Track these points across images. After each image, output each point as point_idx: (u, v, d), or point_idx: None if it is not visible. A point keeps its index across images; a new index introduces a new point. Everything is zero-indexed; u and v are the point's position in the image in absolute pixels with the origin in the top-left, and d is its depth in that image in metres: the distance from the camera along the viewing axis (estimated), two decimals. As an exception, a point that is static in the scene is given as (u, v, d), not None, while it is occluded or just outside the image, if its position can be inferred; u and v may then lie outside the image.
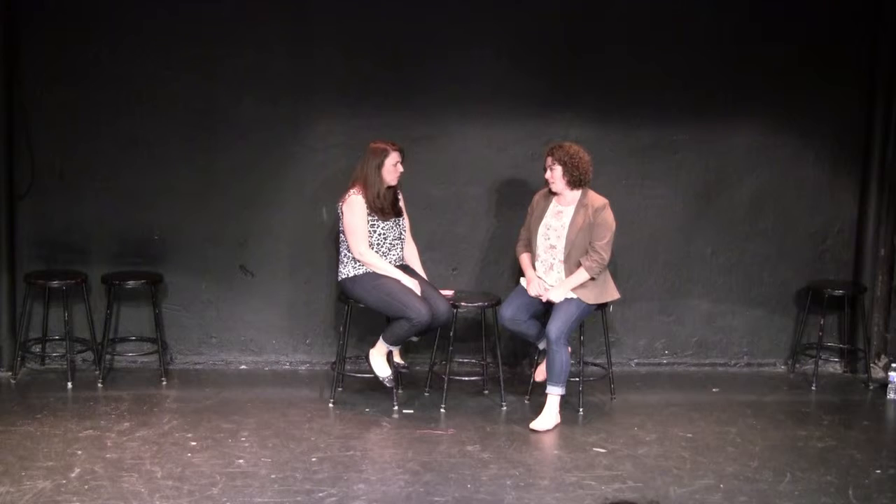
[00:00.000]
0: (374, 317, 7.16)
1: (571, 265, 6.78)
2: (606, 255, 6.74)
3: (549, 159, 6.77)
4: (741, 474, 6.04)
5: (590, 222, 6.74)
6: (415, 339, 7.05)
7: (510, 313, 6.90)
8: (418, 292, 6.73)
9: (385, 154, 6.81)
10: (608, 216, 6.76)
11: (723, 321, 7.98)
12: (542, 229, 6.88)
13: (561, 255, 6.80)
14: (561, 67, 7.61)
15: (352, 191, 6.83)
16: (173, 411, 6.80)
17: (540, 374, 7.05)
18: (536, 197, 7.02)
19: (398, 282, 6.75)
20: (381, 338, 6.88)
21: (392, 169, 6.82)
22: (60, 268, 7.49)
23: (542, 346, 7.06)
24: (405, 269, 6.96)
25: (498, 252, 7.74)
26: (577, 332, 7.03)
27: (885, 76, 7.67)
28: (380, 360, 6.91)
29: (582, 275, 6.73)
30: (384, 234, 6.86)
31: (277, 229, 7.69)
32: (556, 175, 6.75)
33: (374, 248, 6.83)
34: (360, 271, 6.83)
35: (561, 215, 6.83)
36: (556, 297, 6.75)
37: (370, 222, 6.81)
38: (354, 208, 6.78)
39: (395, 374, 6.95)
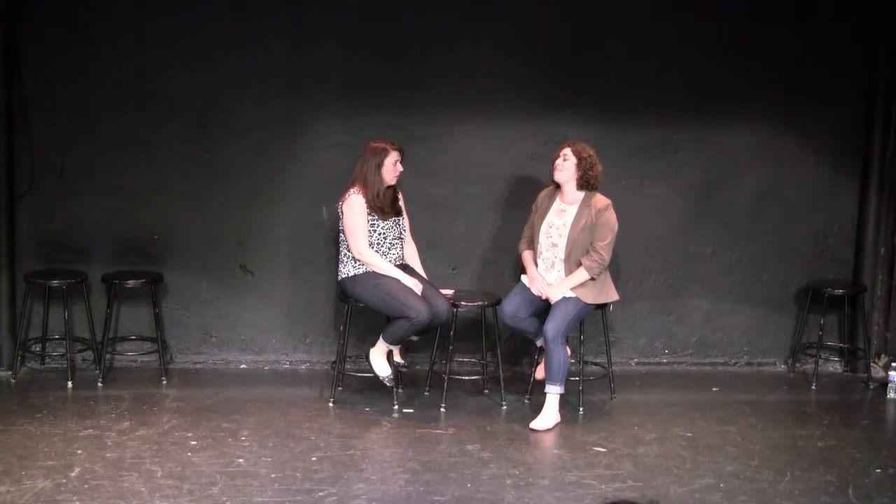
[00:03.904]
0: (374, 316, 7.16)
1: (572, 264, 6.78)
2: (607, 256, 6.75)
3: (568, 150, 6.78)
4: (741, 473, 6.04)
5: (592, 222, 6.74)
6: (415, 338, 7.05)
7: (511, 310, 6.91)
8: (419, 292, 6.73)
9: (385, 153, 6.81)
10: (611, 217, 6.76)
11: (723, 320, 7.98)
12: (544, 227, 6.88)
13: (562, 254, 6.81)
14: (561, 66, 7.62)
15: (351, 190, 6.83)
16: (173, 410, 6.81)
17: (540, 372, 7.05)
18: (541, 195, 7.02)
19: (398, 281, 6.75)
20: (380, 337, 6.88)
21: (392, 168, 6.82)
22: (60, 267, 7.49)
23: (540, 343, 7.06)
24: (405, 268, 6.96)
25: (498, 251, 7.74)
26: (577, 331, 7.03)
27: (885, 76, 7.67)
28: (380, 360, 6.92)
29: (582, 274, 6.73)
30: (384, 233, 6.86)
31: (277, 228, 7.69)
32: (567, 165, 6.76)
33: (373, 247, 6.83)
34: (360, 271, 6.83)
35: (564, 214, 6.84)
36: (554, 295, 6.76)
37: (370, 222, 6.81)
38: (354, 208, 6.78)
39: (395, 373, 6.95)
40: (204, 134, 7.54)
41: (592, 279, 6.77)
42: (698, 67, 7.68)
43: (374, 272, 6.80)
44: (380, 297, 6.75)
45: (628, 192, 7.71)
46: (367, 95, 7.54)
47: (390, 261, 6.88)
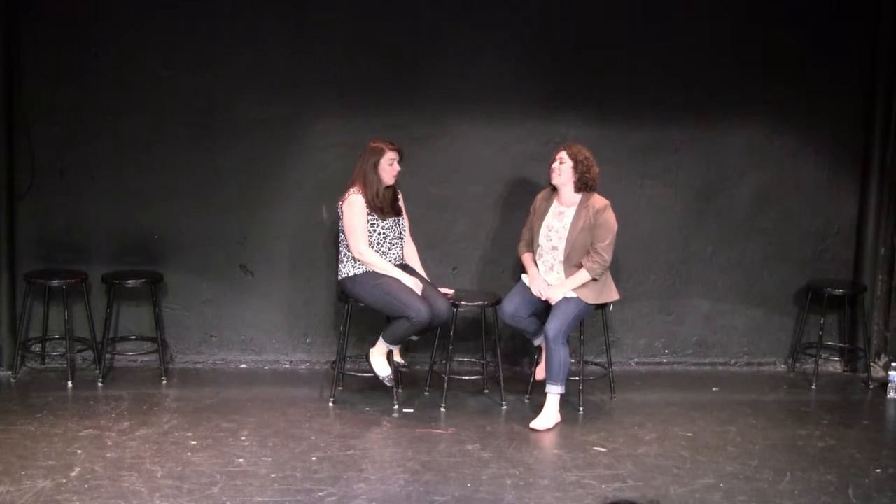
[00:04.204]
0: (374, 316, 7.16)
1: (571, 266, 6.78)
2: (608, 257, 6.74)
3: (564, 153, 6.78)
4: (741, 473, 6.04)
5: (591, 223, 6.74)
6: (415, 338, 7.05)
7: (511, 310, 6.90)
8: (419, 291, 6.73)
9: (381, 153, 6.81)
10: (610, 217, 6.76)
11: (723, 320, 7.98)
12: (543, 230, 6.88)
13: (562, 256, 6.80)
14: (561, 67, 7.62)
15: (351, 190, 6.83)
16: (173, 410, 6.81)
17: (540, 372, 7.05)
18: (538, 197, 7.02)
19: (398, 281, 6.75)
20: (381, 337, 6.88)
21: (388, 168, 6.82)
22: (60, 267, 7.49)
23: (538, 342, 7.06)
24: (405, 268, 6.96)
25: (498, 251, 7.74)
26: (577, 331, 7.03)
27: (885, 76, 7.67)
28: (380, 360, 6.92)
29: (583, 275, 6.73)
30: (383, 233, 6.86)
31: (277, 228, 7.69)
32: (564, 169, 6.76)
33: (373, 247, 6.83)
34: (360, 270, 6.83)
35: (562, 216, 6.84)
36: (555, 296, 6.76)
37: (369, 221, 6.81)
38: (354, 207, 6.78)
39: (396, 373, 6.95)
40: (204, 134, 7.55)
41: (594, 280, 6.77)
42: (698, 67, 7.68)
43: (373, 272, 6.81)
44: (380, 296, 6.75)
45: (628, 192, 7.71)
46: (368, 96, 7.54)
47: (390, 261, 6.88)
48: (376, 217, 6.83)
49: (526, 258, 7.02)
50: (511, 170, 7.69)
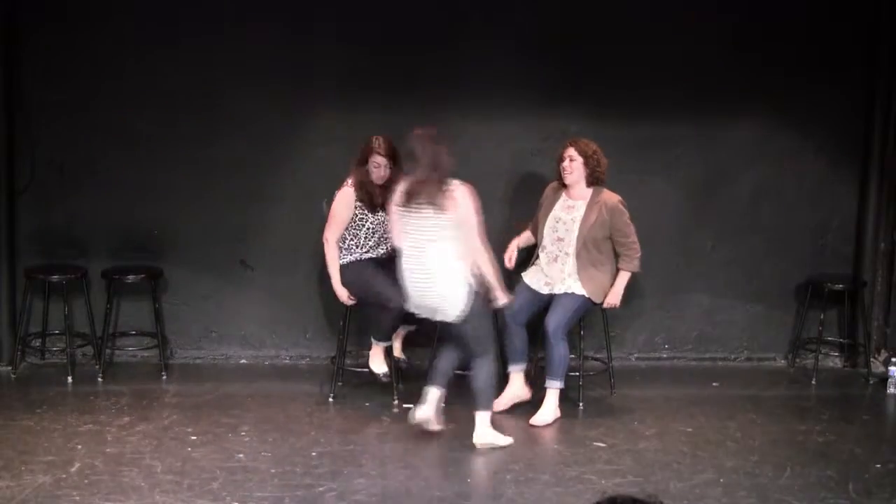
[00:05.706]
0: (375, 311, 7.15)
1: (584, 261, 6.73)
2: (639, 248, 6.86)
3: (572, 150, 6.77)
4: (741, 469, 6.05)
5: (604, 219, 6.73)
6: (413, 328, 7.04)
7: (515, 307, 6.79)
8: (348, 300, 6.80)
9: (368, 152, 6.79)
10: (625, 214, 6.79)
11: (723, 316, 7.98)
12: (550, 221, 6.86)
13: (567, 248, 6.77)
14: (561, 62, 7.60)
15: (348, 181, 6.86)
16: (173, 406, 6.81)
17: (509, 398, 6.90)
18: (547, 189, 7.01)
19: (375, 270, 6.77)
20: (371, 338, 6.91)
21: (374, 170, 6.81)
22: (60, 262, 7.49)
23: (511, 369, 6.91)
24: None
25: (498, 247, 7.70)
26: (577, 326, 7.03)
27: (885, 74, 7.66)
28: (375, 357, 6.94)
29: (626, 276, 6.84)
30: (374, 227, 6.85)
31: (277, 223, 7.68)
32: (575, 167, 6.75)
33: (363, 240, 6.83)
34: (350, 259, 6.85)
35: (572, 210, 6.82)
36: (614, 301, 6.82)
37: (359, 216, 6.81)
38: (342, 199, 6.82)
39: (395, 368, 6.95)
40: (204, 128, 7.54)
41: (601, 275, 6.77)
42: (698, 63, 7.66)
43: (358, 262, 6.84)
44: (360, 287, 6.78)
45: (628, 188, 7.64)
46: (367, 91, 7.52)
47: (381, 255, 6.87)
48: (366, 211, 6.82)
49: (522, 235, 7.10)
50: (512, 166, 7.68)
